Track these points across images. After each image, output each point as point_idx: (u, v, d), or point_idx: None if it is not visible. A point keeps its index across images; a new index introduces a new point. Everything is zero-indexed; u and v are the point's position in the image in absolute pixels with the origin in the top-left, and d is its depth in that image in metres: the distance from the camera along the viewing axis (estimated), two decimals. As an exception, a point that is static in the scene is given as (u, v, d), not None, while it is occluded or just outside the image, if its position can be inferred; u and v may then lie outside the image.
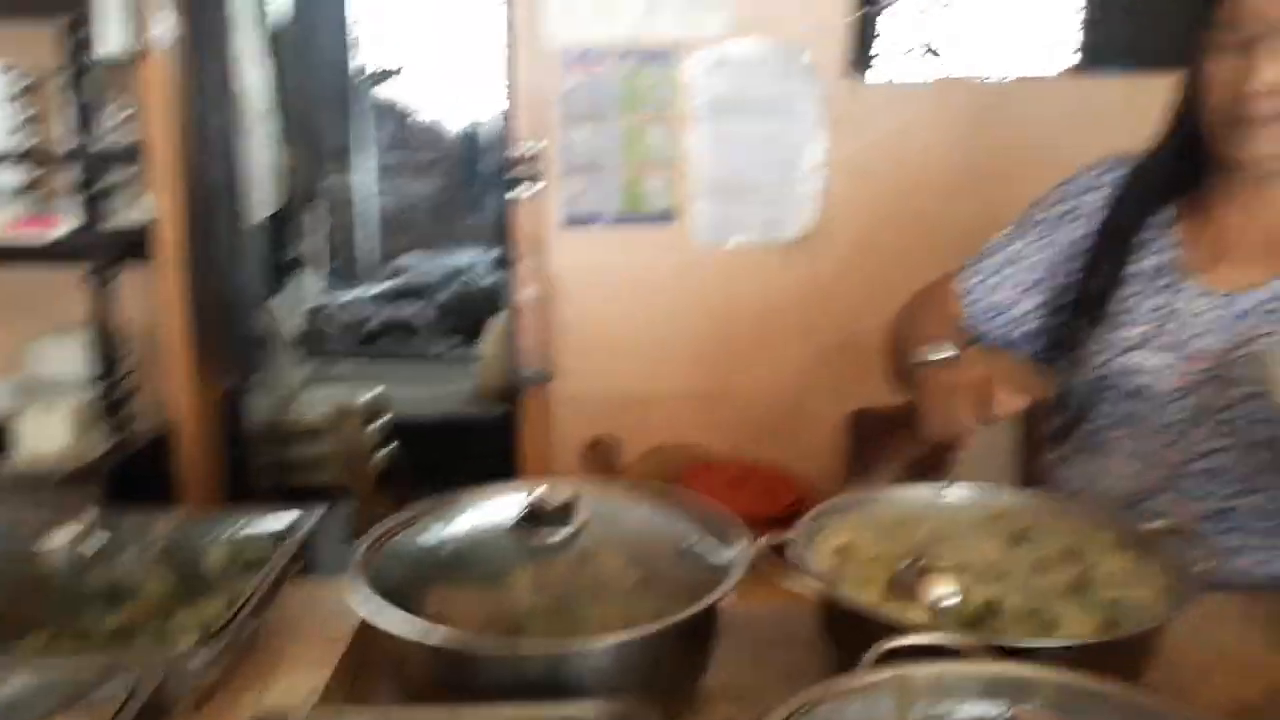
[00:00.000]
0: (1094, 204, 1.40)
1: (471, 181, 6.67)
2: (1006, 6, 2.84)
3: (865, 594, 0.91)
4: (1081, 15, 2.87)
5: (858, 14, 2.60)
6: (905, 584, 0.86)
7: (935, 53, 2.65)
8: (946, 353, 1.24)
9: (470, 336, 5.42)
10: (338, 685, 0.94)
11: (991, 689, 0.71)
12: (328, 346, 5.23)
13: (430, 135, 6.78)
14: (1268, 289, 1.26)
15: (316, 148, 4.75)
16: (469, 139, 6.67)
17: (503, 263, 5.57)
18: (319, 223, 5.17)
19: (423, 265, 6.40)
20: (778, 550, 0.95)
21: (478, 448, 4.03)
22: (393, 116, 6.68)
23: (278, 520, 1.09)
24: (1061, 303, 1.41)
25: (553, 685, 0.82)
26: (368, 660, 1.01)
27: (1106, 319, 1.34)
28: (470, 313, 5.70)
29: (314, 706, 0.88)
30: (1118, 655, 0.82)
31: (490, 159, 6.49)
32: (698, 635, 0.90)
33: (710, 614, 0.88)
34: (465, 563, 0.97)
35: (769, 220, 2.64)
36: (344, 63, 6.07)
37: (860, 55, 2.65)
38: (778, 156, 2.62)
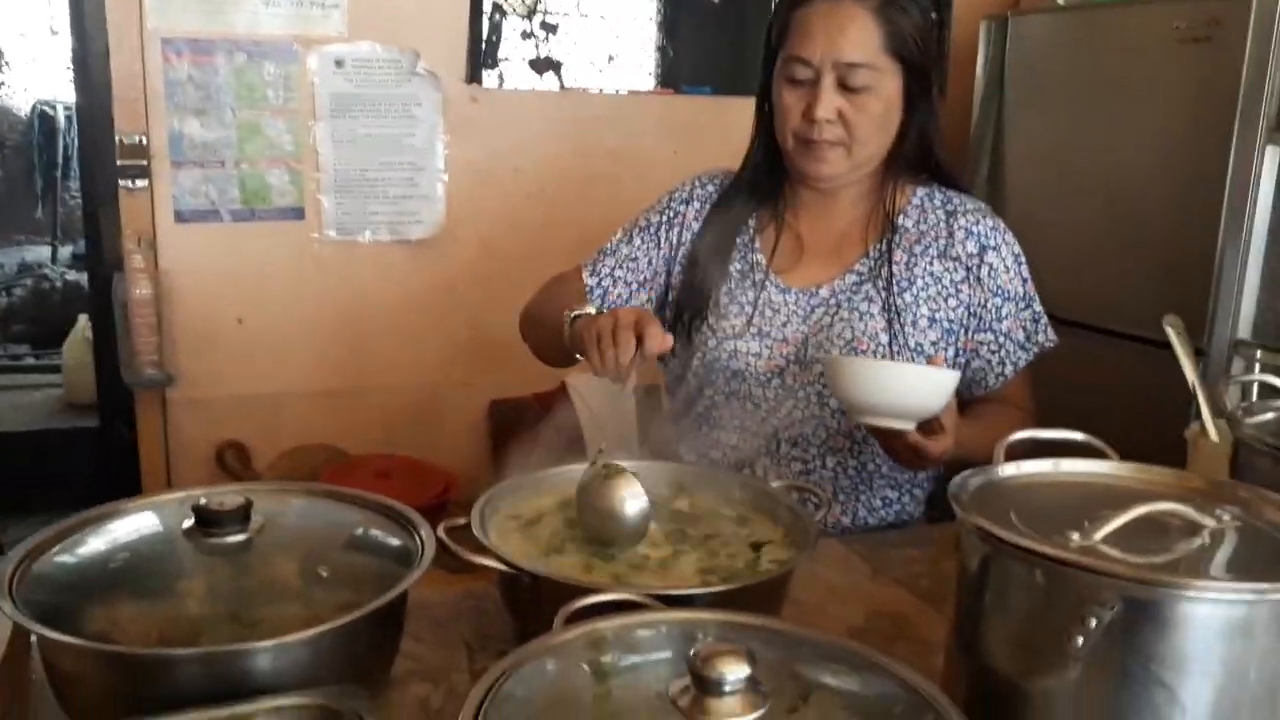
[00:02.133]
0: (693, 213, 1.58)
1: (42, 171, 5.94)
2: (601, 30, 3.06)
3: (544, 565, 1.00)
4: (655, 44, 3.18)
5: (474, 24, 2.68)
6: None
7: (555, 65, 2.78)
8: (590, 309, 1.34)
9: (48, 341, 4.88)
10: (-8, 719, 0.87)
11: (669, 634, 0.81)
12: None
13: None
14: (832, 285, 1.49)
15: None
16: (38, 124, 5.95)
17: (82, 260, 5.06)
18: None
19: (-21, 264, 5.66)
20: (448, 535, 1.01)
21: (70, 463, 3.66)
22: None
23: None
24: (667, 300, 1.58)
25: (244, 686, 0.80)
26: (19, 689, 0.94)
27: (709, 313, 1.51)
28: (45, 316, 5.12)
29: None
30: (759, 597, 0.96)
31: (58, 147, 5.84)
32: (389, 622, 0.93)
33: (401, 601, 0.92)
34: (132, 575, 0.93)
35: (397, 219, 2.66)
36: None
37: (481, 63, 2.74)
38: (402, 158, 2.64)
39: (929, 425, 1.24)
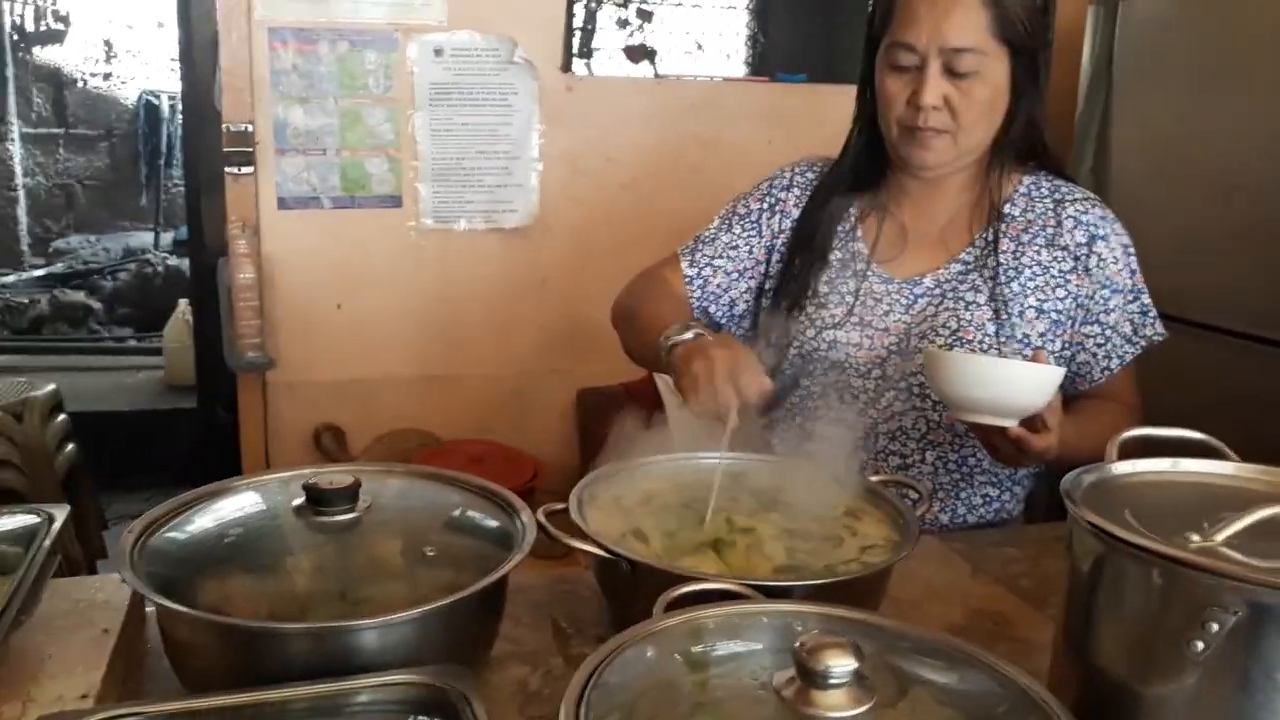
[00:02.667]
0: (794, 200, 1.56)
1: (146, 159, 6.14)
2: (695, 17, 3.05)
3: (642, 551, 1.00)
4: (746, 33, 3.15)
5: (570, 13, 2.69)
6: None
7: (650, 53, 2.78)
8: (690, 333, 1.30)
9: (149, 324, 5.06)
10: (111, 685, 0.90)
11: (768, 625, 0.81)
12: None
13: (98, 107, 6.19)
14: (937, 275, 1.47)
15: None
16: (144, 114, 6.15)
17: (185, 245, 5.22)
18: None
19: (89, 248, 5.87)
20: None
21: (170, 442, 3.80)
22: (54, 84, 6.04)
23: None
24: (764, 288, 1.57)
25: (351, 662, 0.82)
26: (135, 657, 0.98)
27: (808, 302, 1.50)
28: (149, 299, 5.31)
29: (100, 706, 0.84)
30: (859, 592, 0.95)
31: (162, 136, 6.03)
32: (491, 604, 0.94)
33: (503, 583, 0.93)
34: (243, 551, 0.95)
35: (492, 208, 2.69)
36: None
37: (577, 51, 2.75)
38: (497, 147, 2.66)
39: (1032, 422, 1.21)
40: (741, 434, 1.17)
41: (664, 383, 2.43)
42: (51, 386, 2.94)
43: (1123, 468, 0.88)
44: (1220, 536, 0.72)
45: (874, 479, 1.16)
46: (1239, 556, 0.71)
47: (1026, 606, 1.13)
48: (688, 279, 1.56)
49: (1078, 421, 1.31)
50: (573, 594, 1.13)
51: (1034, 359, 1.28)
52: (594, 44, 2.78)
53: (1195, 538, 0.73)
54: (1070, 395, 1.45)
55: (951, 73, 1.35)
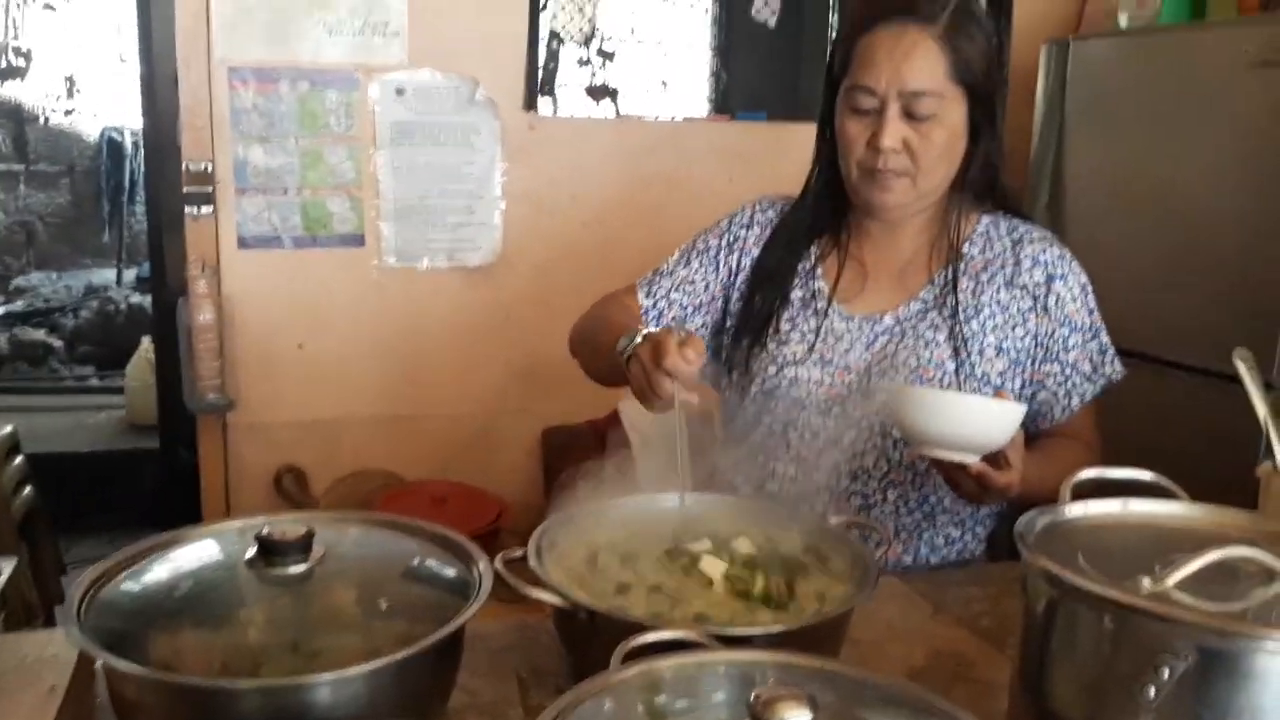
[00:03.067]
0: (753, 238, 1.57)
1: (109, 196, 6.08)
2: (656, 56, 3.08)
3: (601, 601, 0.99)
4: (709, 71, 3.19)
5: (532, 52, 2.71)
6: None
7: (612, 92, 2.80)
8: (639, 338, 1.27)
9: (111, 363, 4.99)
10: (57, 744, 0.88)
11: (727, 674, 0.80)
12: (-61, 376, 4.64)
13: (60, 143, 6.13)
14: (896, 313, 1.48)
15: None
16: (106, 150, 6.10)
17: (147, 284, 5.16)
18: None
19: (50, 285, 5.80)
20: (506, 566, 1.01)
21: (131, 484, 3.74)
22: (15, 120, 5.98)
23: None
24: (723, 325, 1.57)
25: (304, 718, 0.81)
26: (83, 714, 0.95)
27: (769, 339, 1.50)
28: (110, 338, 5.24)
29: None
30: (819, 637, 0.95)
31: (125, 172, 5.99)
32: (447, 655, 0.92)
33: (459, 634, 0.92)
34: (195, 604, 0.94)
35: (455, 246, 2.68)
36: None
37: (539, 90, 2.76)
38: (460, 185, 2.66)
39: (994, 458, 1.22)
40: (703, 419, 1.17)
41: (627, 417, 2.43)
42: (9, 428, 2.87)
43: (1075, 510, 0.89)
44: (1171, 580, 0.73)
45: (835, 520, 1.16)
46: (1190, 601, 0.72)
47: (987, 647, 1.13)
48: (644, 310, 1.56)
49: (1039, 459, 1.32)
50: (534, 642, 1.11)
51: (997, 396, 1.29)
52: (557, 83, 2.79)
53: (1147, 581, 0.73)
54: (1031, 434, 1.46)
55: (910, 116, 1.37)
